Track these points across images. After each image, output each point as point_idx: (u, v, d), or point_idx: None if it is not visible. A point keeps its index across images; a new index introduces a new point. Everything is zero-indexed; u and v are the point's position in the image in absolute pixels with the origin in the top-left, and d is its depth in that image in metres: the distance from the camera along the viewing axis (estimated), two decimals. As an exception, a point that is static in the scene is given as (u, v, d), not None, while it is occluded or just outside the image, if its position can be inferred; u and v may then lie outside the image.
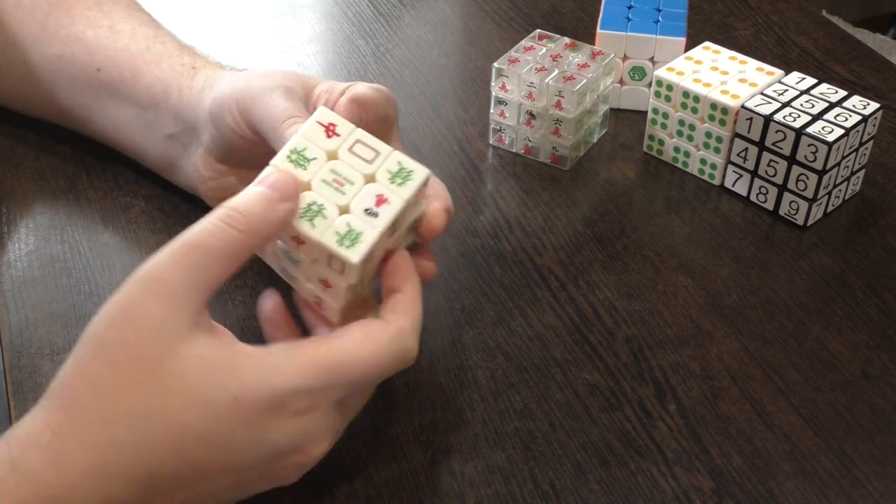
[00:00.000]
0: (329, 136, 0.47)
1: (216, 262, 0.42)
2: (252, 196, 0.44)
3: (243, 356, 0.42)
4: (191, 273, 0.42)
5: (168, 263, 0.42)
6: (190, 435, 0.41)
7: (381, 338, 0.44)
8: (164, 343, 0.41)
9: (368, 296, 0.49)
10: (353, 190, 0.46)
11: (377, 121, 0.51)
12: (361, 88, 0.51)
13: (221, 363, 0.41)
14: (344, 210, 0.45)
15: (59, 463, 0.39)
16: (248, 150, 0.53)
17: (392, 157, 0.47)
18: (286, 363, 0.42)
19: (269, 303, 0.47)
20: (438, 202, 0.50)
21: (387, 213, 0.45)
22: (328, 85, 0.52)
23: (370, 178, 0.46)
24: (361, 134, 0.47)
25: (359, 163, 0.46)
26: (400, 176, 0.47)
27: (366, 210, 0.45)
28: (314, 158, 0.46)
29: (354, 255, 0.44)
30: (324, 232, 0.44)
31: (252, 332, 0.53)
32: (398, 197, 0.46)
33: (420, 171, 0.47)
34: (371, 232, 0.45)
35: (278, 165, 0.45)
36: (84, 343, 0.41)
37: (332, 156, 0.46)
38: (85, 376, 0.41)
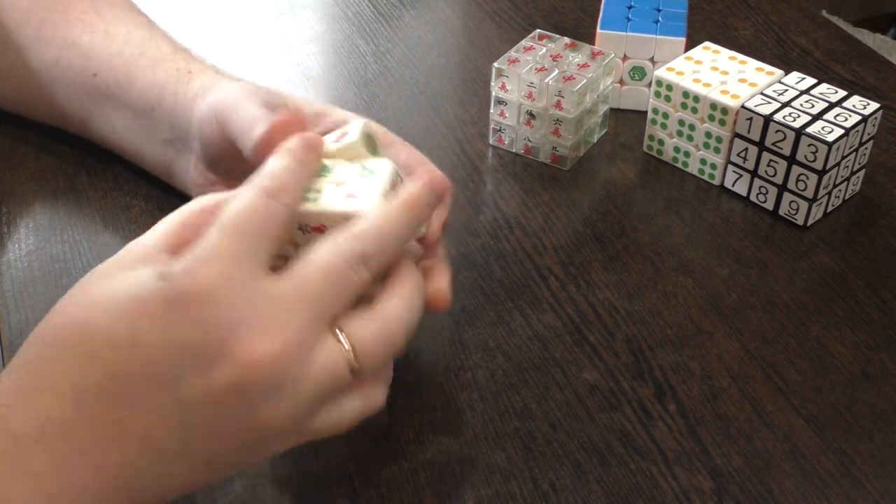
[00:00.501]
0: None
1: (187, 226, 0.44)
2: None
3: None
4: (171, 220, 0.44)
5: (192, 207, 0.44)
6: (97, 336, 0.39)
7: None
8: (121, 267, 0.41)
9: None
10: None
11: None
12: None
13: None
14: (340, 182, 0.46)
15: (31, 405, 0.38)
16: (231, 161, 0.53)
17: (369, 190, 0.46)
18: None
19: None
20: (438, 214, 0.49)
21: (310, 207, 0.45)
22: (320, 109, 0.53)
23: (340, 184, 0.46)
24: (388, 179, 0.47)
25: (355, 173, 0.47)
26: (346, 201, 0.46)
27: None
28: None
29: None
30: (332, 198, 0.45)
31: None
32: (329, 203, 0.45)
33: (363, 209, 0.45)
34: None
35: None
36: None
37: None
38: (54, 310, 0.41)
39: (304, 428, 0.42)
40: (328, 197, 0.45)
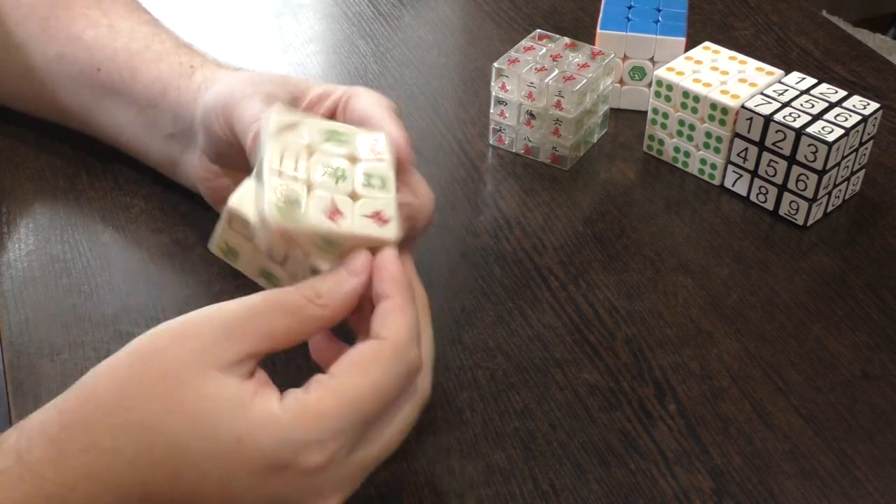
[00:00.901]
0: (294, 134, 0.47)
1: (283, 340, 0.42)
2: (346, 294, 0.43)
3: (260, 399, 0.41)
4: (257, 340, 0.41)
5: (244, 318, 0.41)
6: (189, 463, 0.40)
7: (379, 362, 0.42)
8: (197, 367, 0.40)
9: None
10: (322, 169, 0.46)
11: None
12: (366, 105, 0.51)
13: (235, 404, 0.40)
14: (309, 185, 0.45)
15: (60, 461, 0.39)
16: (235, 154, 0.53)
17: (385, 202, 0.46)
18: (293, 417, 0.41)
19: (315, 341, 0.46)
20: (422, 199, 0.49)
21: (332, 227, 0.44)
22: (321, 90, 0.52)
23: (355, 197, 0.46)
24: (389, 170, 0.47)
25: (360, 184, 0.46)
26: (374, 221, 0.46)
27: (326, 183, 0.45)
28: (347, 143, 0.46)
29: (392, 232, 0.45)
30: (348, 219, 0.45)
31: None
32: (353, 226, 0.45)
33: (390, 235, 0.45)
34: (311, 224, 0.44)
35: (276, 190, 0.44)
36: (128, 348, 0.42)
37: (353, 158, 0.47)
38: (111, 378, 0.41)
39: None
40: (353, 220, 0.45)
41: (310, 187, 0.45)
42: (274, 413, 0.40)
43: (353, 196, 0.45)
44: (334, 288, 0.43)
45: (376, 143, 0.47)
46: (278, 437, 0.40)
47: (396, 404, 0.43)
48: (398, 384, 0.42)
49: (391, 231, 0.45)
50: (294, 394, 0.41)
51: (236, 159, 0.54)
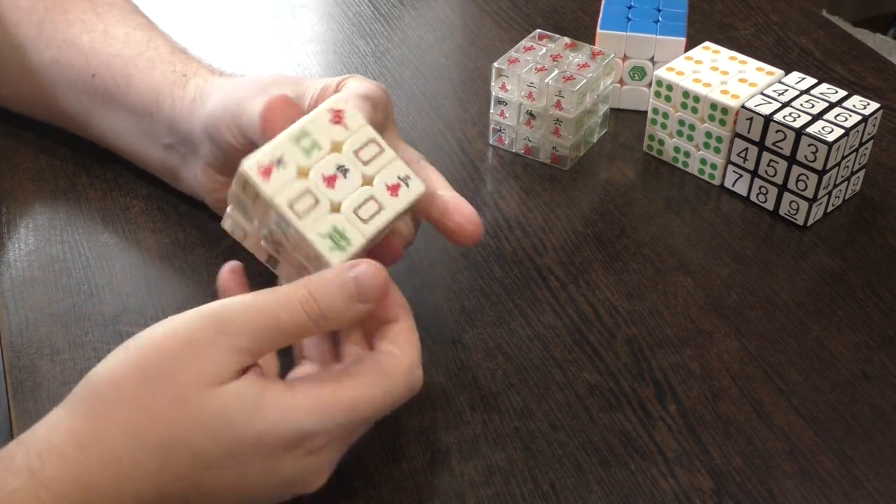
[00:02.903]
0: (336, 125, 0.47)
1: (280, 338, 0.43)
2: (336, 288, 0.43)
3: (271, 395, 0.42)
4: (255, 341, 0.42)
5: (239, 323, 0.42)
6: (210, 468, 0.41)
7: (395, 374, 0.45)
8: (207, 386, 0.41)
9: None
10: (348, 188, 0.46)
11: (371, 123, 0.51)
12: (360, 87, 0.51)
13: (250, 403, 0.42)
14: (336, 208, 0.45)
15: (81, 478, 0.40)
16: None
17: (393, 165, 0.47)
18: (309, 404, 0.43)
19: (227, 270, 0.48)
20: (446, 191, 0.50)
21: (377, 222, 0.46)
22: (322, 83, 0.52)
23: (368, 181, 0.46)
24: (372, 134, 0.47)
25: (360, 164, 0.46)
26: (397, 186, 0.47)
27: (356, 212, 0.45)
28: (318, 147, 0.46)
29: (335, 258, 0.44)
30: (312, 226, 0.45)
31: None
32: (391, 207, 0.46)
33: (417, 187, 0.47)
34: (357, 238, 0.45)
35: (283, 145, 0.45)
36: (129, 358, 0.42)
37: (337, 148, 0.46)
38: (120, 393, 0.41)
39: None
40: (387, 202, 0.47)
41: (336, 209, 0.46)
42: (290, 405, 0.42)
43: (369, 181, 0.46)
44: (342, 312, 0.44)
45: (334, 114, 0.47)
46: (294, 425, 0.42)
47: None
48: (404, 396, 0.45)
49: (416, 184, 0.47)
50: (306, 383, 0.43)
51: None
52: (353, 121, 0.47)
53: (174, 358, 0.41)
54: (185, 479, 0.41)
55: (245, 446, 0.42)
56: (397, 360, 0.45)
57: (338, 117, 0.47)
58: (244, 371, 0.42)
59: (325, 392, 0.43)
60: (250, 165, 0.44)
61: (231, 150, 0.53)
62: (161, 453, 0.41)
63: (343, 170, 0.46)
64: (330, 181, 0.46)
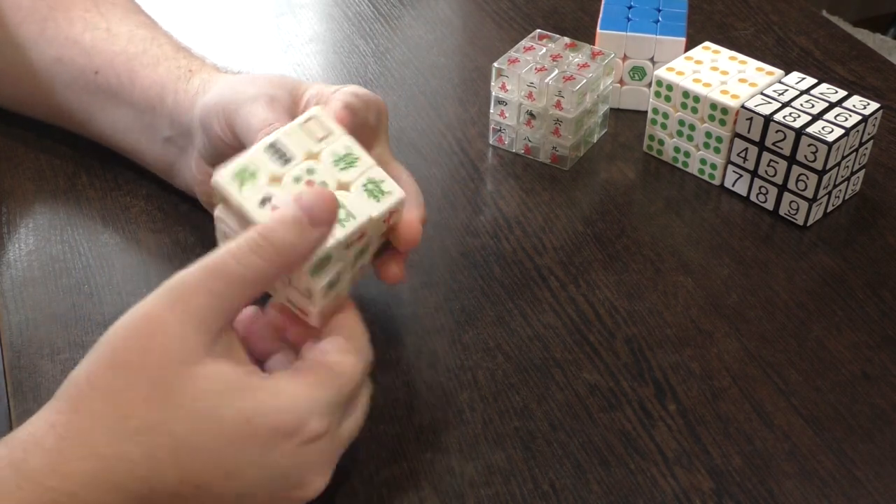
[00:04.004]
0: (312, 134, 0.46)
1: (239, 289, 0.42)
2: (282, 222, 0.43)
3: (256, 380, 0.42)
4: (213, 297, 0.42)
5: (193, 285, 0.42)
6: (198, 455, 0.41)
7: (360, 348, 0.46)
8: (180, 363, 0.41)
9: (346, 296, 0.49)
10: None
11: (358, 126, 0.51)
12: (349, 96, 0.51)
13: (234, 385, 0.41)
14: None
15: (62, 467, 0.39)
16: (234, 156, 0.53)
17: (370, 172, 0.47)
18: (293, 386, 0.43)
19: (245, 317, 0.47)
20: (414, 211, 0.50)
21: (350, 226, 0.45)
22: (318, 89, 0.52)
23: (344, 187, 0.46)
24: (348, 141, 0.47)
25: (336, 170, 0.46)
26: (373, 193, 0.46)
27: None
28: (291, 157, 0.46)
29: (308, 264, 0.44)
30: None
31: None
32: (364, 213, 0.46)
33: (395, 193, 0.47)
34: (329, 241, 0.44)
35: (256, 156, 0.45)
36: (100, 350, 0.41)
37: (312, 156, 0.46)
38: (96, 383, 0.41)
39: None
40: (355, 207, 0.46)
41: (276, 181, 0.45)
42: (276, 387, 0.42)
43: (345, 187, 0.46)
44: (297, 243, 0.43)
45: (311, 120, 0.47)
46: (284, 406, 0.42)
47: (360, 389, 0.47)
48: (367, 369, 0.46)
49: (394, 191, 0.47)
50: (282, 370, 0.44)
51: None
52: (330, 129, 0.47)
53: (139, 338, 0.41)
54: (172, 469, 0.41)
55: (232, 432, 0.41)
56: (355, 339, 0.46)
57: (314, 126, 0.47)
58: (219, 351, 0.42)
59: (302, 370, 0.44)
60: (221, 175, 0.44)
61: (219, 142, 0.53)
62: (140, 441, 0.40)
63: (317, 176, 0.46)
64: (307, 185, 0.45)
